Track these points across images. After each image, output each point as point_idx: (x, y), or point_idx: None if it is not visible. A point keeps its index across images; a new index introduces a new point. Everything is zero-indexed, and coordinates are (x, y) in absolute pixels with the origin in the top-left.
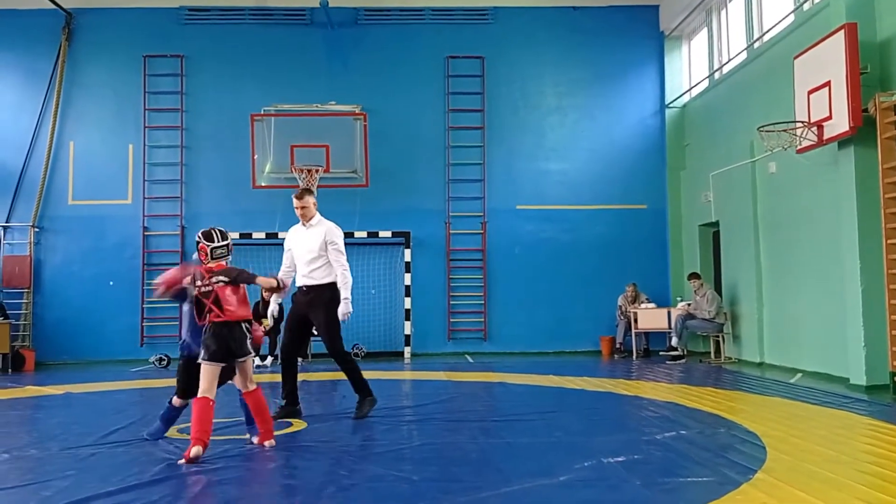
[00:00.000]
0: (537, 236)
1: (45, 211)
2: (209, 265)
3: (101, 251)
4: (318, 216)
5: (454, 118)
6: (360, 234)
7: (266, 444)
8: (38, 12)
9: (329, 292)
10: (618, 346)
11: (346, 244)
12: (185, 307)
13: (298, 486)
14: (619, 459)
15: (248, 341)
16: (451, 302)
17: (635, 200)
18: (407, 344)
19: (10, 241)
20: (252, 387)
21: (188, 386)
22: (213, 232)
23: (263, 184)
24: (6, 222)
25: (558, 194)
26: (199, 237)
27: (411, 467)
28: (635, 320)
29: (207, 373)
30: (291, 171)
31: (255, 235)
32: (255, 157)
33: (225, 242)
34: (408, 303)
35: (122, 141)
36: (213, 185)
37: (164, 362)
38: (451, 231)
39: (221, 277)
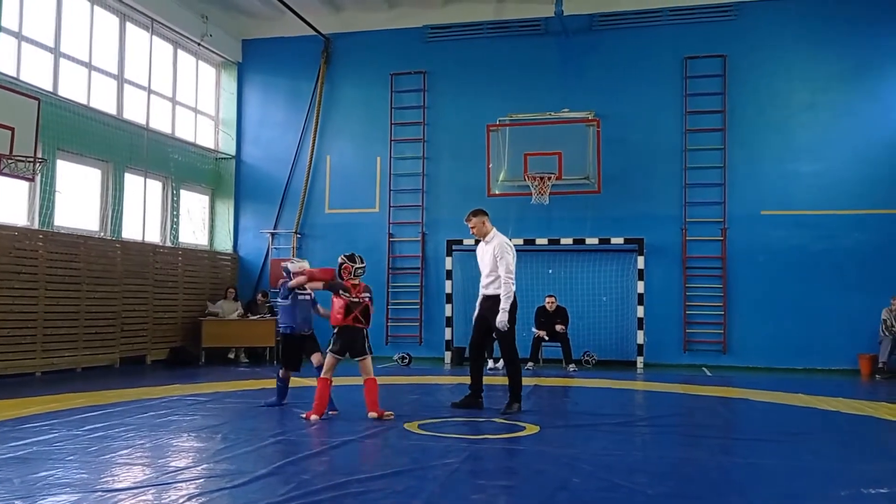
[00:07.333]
0: (785, 243)
1: (306, 219)
2: (352, 281)
3: None
4: (493, 232)
5: (692, 120)
6: (592, 241)
7: (370, 414)
8: (301, 38)
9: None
10: (881, 365)
11: (578, 250)
12: (291, 299)
13: (531, 489)
14: (882, 491)
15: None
16: (688, 312)
17: None
18: (639, 353)
19: (277, 246)
20: (369, 376)
21: (288, 359)
22: (355, 256)
23: (497, 192)
24: (274, 229)
25: (811, 198)
26: (343, 259)
27: (646, 480)
28: None
29: (330, 361)
30: (525, 179)
31: None
32: (490, 165)
33: (363, 265)
34: (640, 311)
35: (371, 154)
36: (451, 193)
37: (406, 360)
38: (687, 238)
39: (369, 295)
